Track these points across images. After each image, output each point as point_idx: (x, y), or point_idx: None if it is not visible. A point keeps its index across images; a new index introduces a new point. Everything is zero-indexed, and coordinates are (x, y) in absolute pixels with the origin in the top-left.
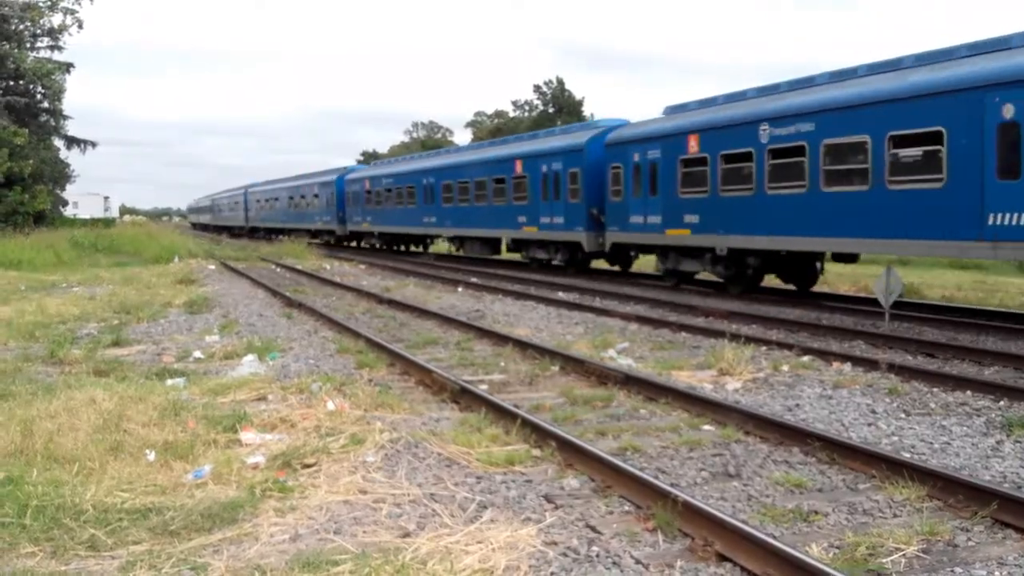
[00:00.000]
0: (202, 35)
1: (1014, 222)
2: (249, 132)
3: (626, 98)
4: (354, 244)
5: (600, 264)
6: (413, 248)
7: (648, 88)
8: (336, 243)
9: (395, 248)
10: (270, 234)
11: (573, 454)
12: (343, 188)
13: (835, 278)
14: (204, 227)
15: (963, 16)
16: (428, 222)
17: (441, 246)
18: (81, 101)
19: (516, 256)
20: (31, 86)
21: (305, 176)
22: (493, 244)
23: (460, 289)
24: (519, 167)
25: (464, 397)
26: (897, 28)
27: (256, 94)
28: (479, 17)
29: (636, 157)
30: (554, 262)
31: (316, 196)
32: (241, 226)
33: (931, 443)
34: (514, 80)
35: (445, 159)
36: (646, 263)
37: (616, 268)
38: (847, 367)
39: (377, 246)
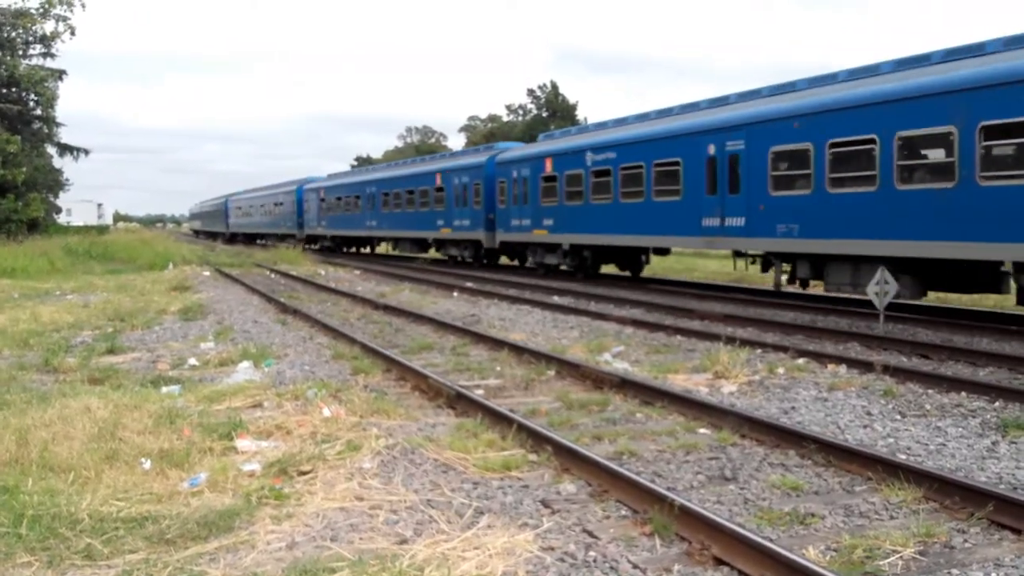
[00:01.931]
0: (197, 43)
1: None
2: (244, 138)
3: (621, 102)
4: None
5: (607, 269)
6: (626, 269)
7: (643, 91)
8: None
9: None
10: (364, 245)
11: (569, 459)
12: (539, 172)
13: None
14: (213, 235)
15: (960, 18)
16: (788, 231)
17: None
18: (75, 109)
19: (510, 261)
20: (24, 93)
21: (441, 156)
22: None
23: (455, 294)
24: None
25: (460, 402)
26: (894, 30)
27: (251, 100)
28: (473, 22)
29: None
30: None
31: (464, 186)
32: (290, 234)
33: (927, 445)
34: (508, 84)
35: (836, 91)
36: None
37: None
38: (842, 369)
39: (562, 266)
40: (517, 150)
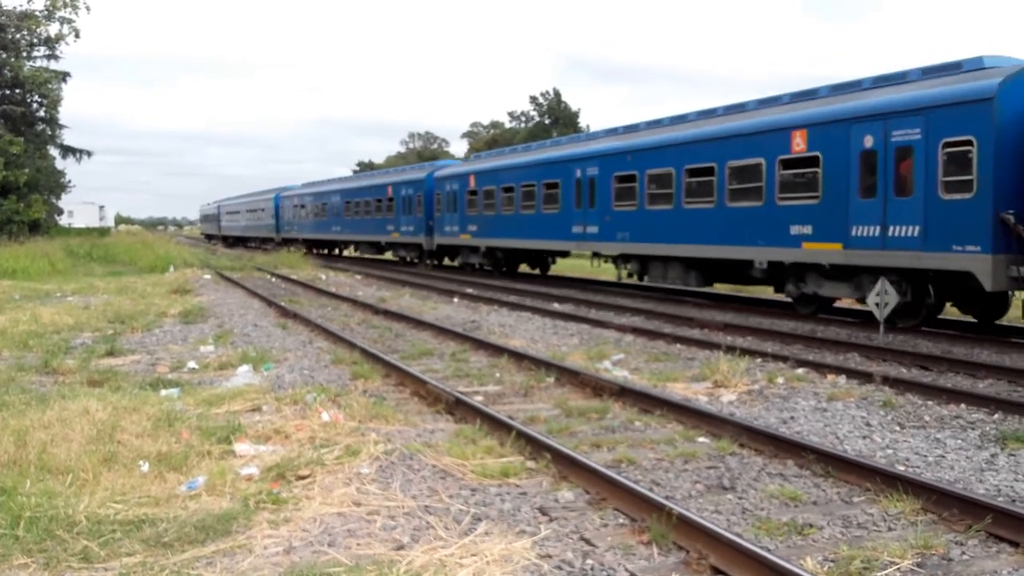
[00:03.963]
0: (203, 48)
1: None
2: (249, 142)
3: (623, 110)
4: None
5: (598, 275)
6: None
7: (646, 101)
8: None
9: None
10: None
11: (568, 466)
12: None
13: None
14: (237, 242)
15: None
16: None
17: None
18: (80, 111)
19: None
20: (28, 95)
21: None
22: None
23: (456, 300)
24: None
25: (459, 408)
26: (900, 40)
27: (256, 105)
28: (476, 29)
29: None
30: None
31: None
32: (416, 246)
33: (925, 456)
34: (510, 91)
35: None
36: None
37: None
38: (842, 379)
39: None
40: None
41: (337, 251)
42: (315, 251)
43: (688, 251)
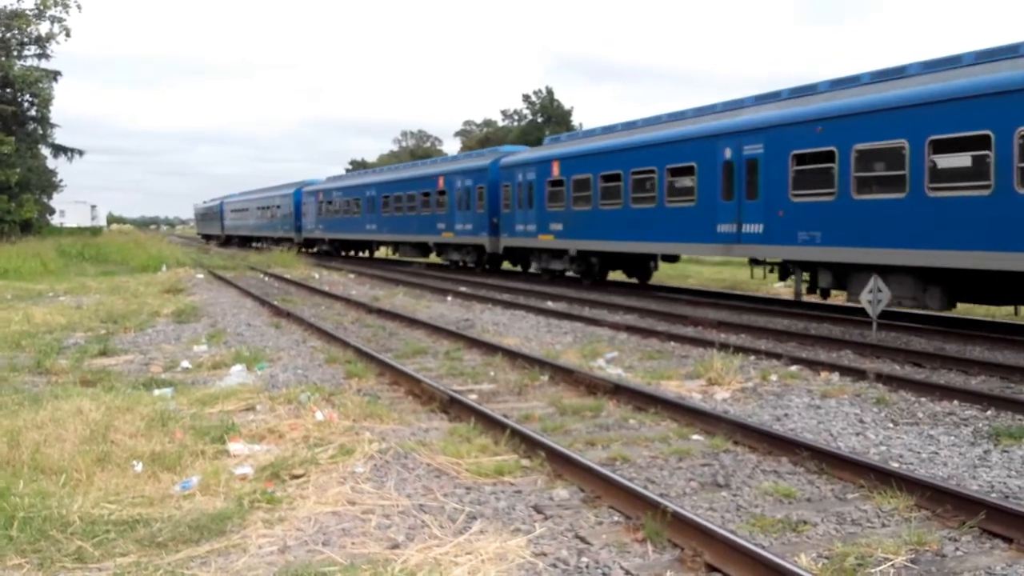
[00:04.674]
0: (198, 48)
1: None
2: (241, 142)
3: (615, 109)
4: None
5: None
6: None
7: (639, 99)
8: None
9: None
10: None
11: (562, 464)
12: None
13: None
14: (242, 241)
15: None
16: None
17: None
18: (71, 110)
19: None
20: (19, 94)
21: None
22: None
23: (449, 298)
24: None
25: (453, 407)
26: (900, 40)
27: (247, 104)
28: (468, 28)
29: None
30: None
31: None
32: (476, 247)
33: (919, 453)
34: (503, 90)
35: None
36: None
37: None
38: (835, 377)
39: None
40: None
41: (367, 252)
42: (344, 253)
43: (933, 258)
